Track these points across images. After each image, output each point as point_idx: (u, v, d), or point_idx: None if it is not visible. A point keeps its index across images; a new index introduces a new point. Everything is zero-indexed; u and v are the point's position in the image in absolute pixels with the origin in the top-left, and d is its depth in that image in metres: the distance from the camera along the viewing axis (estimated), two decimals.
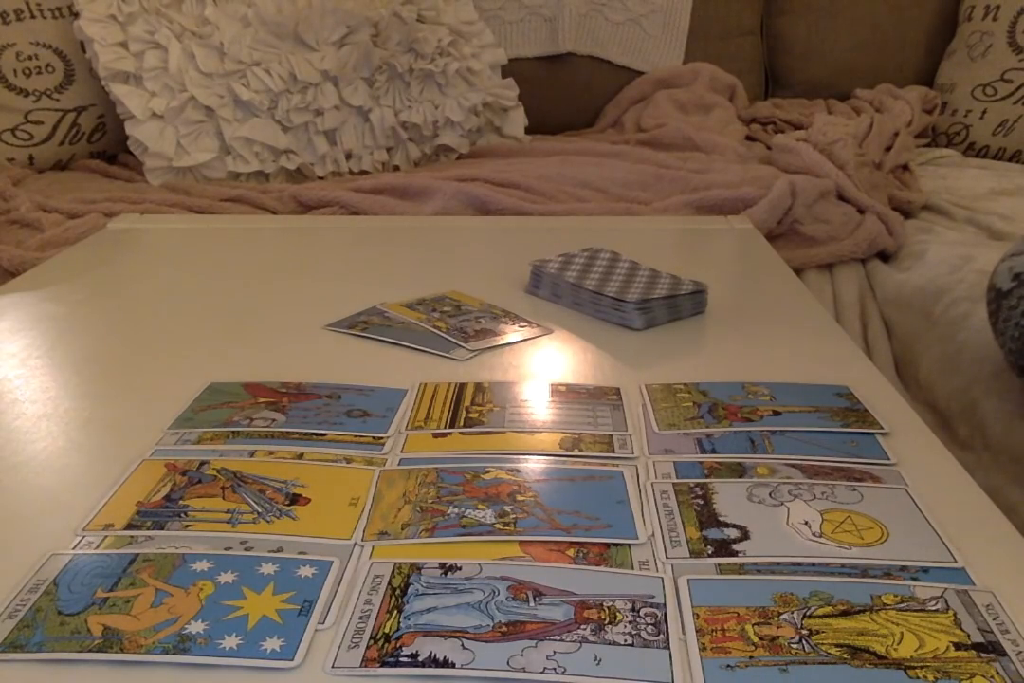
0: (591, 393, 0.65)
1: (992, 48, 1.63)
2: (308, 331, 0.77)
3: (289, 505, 0.51)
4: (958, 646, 0.41)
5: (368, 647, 0.41)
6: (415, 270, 0.93)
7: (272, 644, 0.41)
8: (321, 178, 1.44)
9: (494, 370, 0.70)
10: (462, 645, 0.41)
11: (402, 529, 0.49)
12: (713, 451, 0.57)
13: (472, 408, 0.63)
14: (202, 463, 0.56)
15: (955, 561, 0.46)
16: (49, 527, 0.50)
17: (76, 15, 1.39)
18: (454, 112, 1.50)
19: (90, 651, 0.40)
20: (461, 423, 0.61)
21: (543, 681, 0.39)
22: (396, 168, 1.51)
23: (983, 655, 0.40)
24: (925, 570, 0.46)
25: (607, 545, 0.48)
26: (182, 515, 0.50)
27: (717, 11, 1.79)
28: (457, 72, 1.51)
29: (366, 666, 0.40)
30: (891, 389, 0.66)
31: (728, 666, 0.39)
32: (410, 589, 0.44)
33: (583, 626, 0.42)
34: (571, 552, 0.47)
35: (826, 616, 0.42)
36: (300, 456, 0.57)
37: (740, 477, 0.54)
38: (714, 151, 1.44)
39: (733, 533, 0.49)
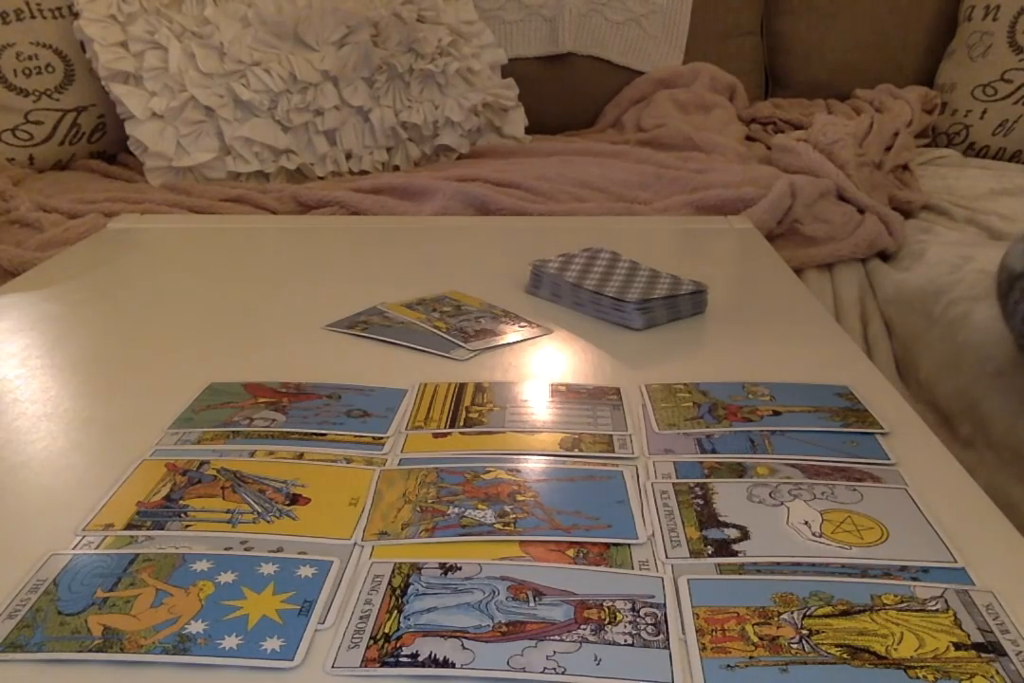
0: (591, 393, 0.65)
1: (992, 48, 1.63)
2: (308, 331, 0.77)
3: (289, 505, 0.51)
4: (958, 646, 0.40)
5: (368, 647, 0.40)
6: (415, 270, 0.93)
7: (272, 644, 0.41)
8: (321, 178, 1.44)
9: (494, 370, 0.70)
10: (462, 645, 0.41)
11: (402, 529, 0.49)
12: (713, 451, 0.57)
13: (472, 408, 0.63)
14: (202, 463, 0.56)
15: (955, 561, 0.46)
16: (49, 527, 0.50)
17: (76, 15, 1.39)
18: (454, 112, 1.50)
19: (90, 651, 0.40)
20: (461, 423, 0.61)
21: (543, 681, 0.39)
22: (396, 168, 1.51)
23: (983, 655, 0.40)
24: (925, 570, 0.46)
25: (607, 545, 0.48)
26: (182, 515, 0.50)
27: (717, 11, 1.79)
28: (457, 72, 1.51)
29: (366, 666, 0.40)
30: (891, 389, 0.66)
31: (728, 666, 0.39)
32: (410, 589, 0.44)
33: (583, 626, 0.42)
34: (571, 552, 0.47)
35: (826, 616, 0.42)
36: (300, 456, 0.57)
37: (740, 477, 0.54)
38: (714, 151, 1.44)
39: (733, 533, 0.49)
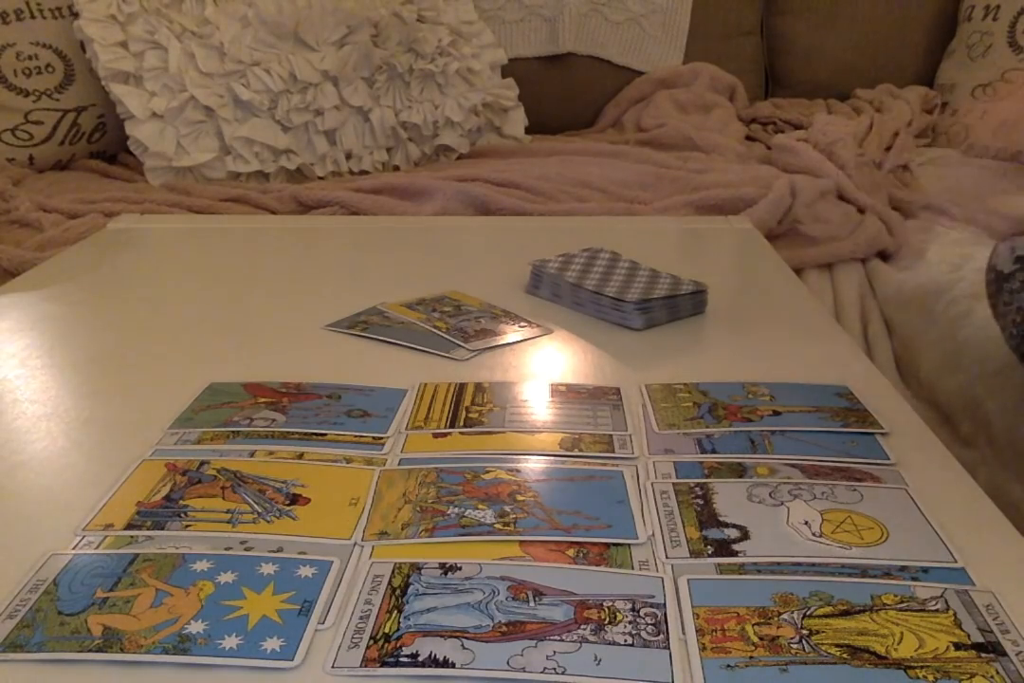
0: (591, 393, 0.65)
1: (992, 48, 1.63)
2: (308, 331, 0.77)
3: (289, 505, 0.51)
4: (958, 646, 0.40)
5: (368, 647, 0.40)
6: (415, 270, 0.93)
7: (272, 644, 0.41)
8: (321, 178, 1.44)
9: (494, 370, 0.70)
10: (462, 645, 0.41)
11: (402, 529, 0.49)
12: (713, 451, 0.57)
13: (472, 408, 0.63)
14: (202, 463, 0.56)
15: (955, 561, 0.46)
16: (49, 527, 0.50)
17: (76, 15, 1.39)
18: (454, 112, 1.50)
19: (90, 651, 0.40)
20: (461, 423, 0.61)
21: (543, 681, 0.39)
22: (396, 168, 1.51)
23: (983, 655, 0.40)
24: (925, 570, 0.46)
25: (607, 545, 0.48)
26: (182, 515, 0.50)
27: (717, 11, 1.79)
28: (457, 72, 1.51)
29: (366, 666, 0.40)
30: (891, 389, 0.66)
31: (728, 666, 0.39)
32: (410, 589, 0.44)
33: (583, 626, 0.42)
34: (571, 552, 0.47)
35: (826, 616, 0.42)
36: (300, 456, 0.57)
37: (740, 477, 0.54)
38: (714, 151, 1.44)
39: (733, 533, 0.49)
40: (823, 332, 0.77)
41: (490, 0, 1.71)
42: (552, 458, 0.57)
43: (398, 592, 0.44)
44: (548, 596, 0.44)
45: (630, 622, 0.42)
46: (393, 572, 0.46)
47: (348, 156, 1.46)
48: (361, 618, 0.42)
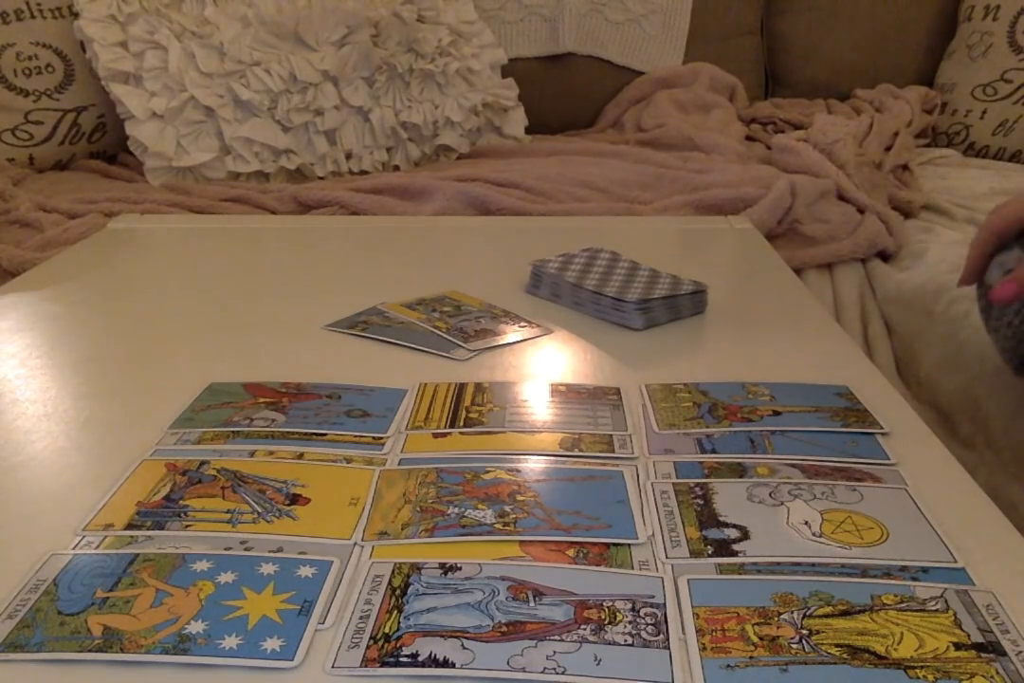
0: (591, 393, 0.65)
1: (992, 48, 1.63)
2: (308, 331, 0.77)
3: (289, 505, 0.51)
4: (958, 646, 0.40)
5: (368, 647, 0.40)
6: (415, 270, 0.93)
7: (272, 644, 0.41)
8: (321, 178, 1.44)
9: (494, 370, 0.70)
10: (462, 645, 0.41)
11: (402, 529, 0.49)
12: (713, 451, 0.57)
13: (472, 408, 0.63)
14: (202, 463, 0.56)
15: (955, 561, 0.46)
16: (49, 527, 0.50)
17: (76, 15, 1.39)
18: (454, 112, 1.50)
19: (90, 651, 0.40)
20: (461, 423, 0.61)
21: (543, 681, 0.39)
22: (396, 168, 1.51)
23: (983, 655, 0.40)
24: (925, 570, 0.46)
25: (607, 545, 0.48)
26: (182, 515, 0.50)
27: (717, 11, 1.79)
28: (457, 72, 1.51)
29: (366, 666, 0.40)
30: (891, 389, 0.66)
31: (728, 666, 0.39)
32: (410, 589, 0.44)
33: (583, 626, 0.42)
34: (571, 552, 0.47)
35: (826, 616, 0.42)
36: (300, 456, 0.57)
37: (740, 477, 0.54)
38: (714, 151, 1.44)
39: (733, 533, 0.49)
40: (823, 332, 0.77)
41: (490, 0, 1.71)
42: (552, 458, 0.57)
43: (398, 592, 0.44)
44: (548, 596, 0.44)
45: (630, 622, 0.42)
46: (393, 572, 0.46)
47: (348, 156, 1.46)
48: (361, 618, 0.42)
